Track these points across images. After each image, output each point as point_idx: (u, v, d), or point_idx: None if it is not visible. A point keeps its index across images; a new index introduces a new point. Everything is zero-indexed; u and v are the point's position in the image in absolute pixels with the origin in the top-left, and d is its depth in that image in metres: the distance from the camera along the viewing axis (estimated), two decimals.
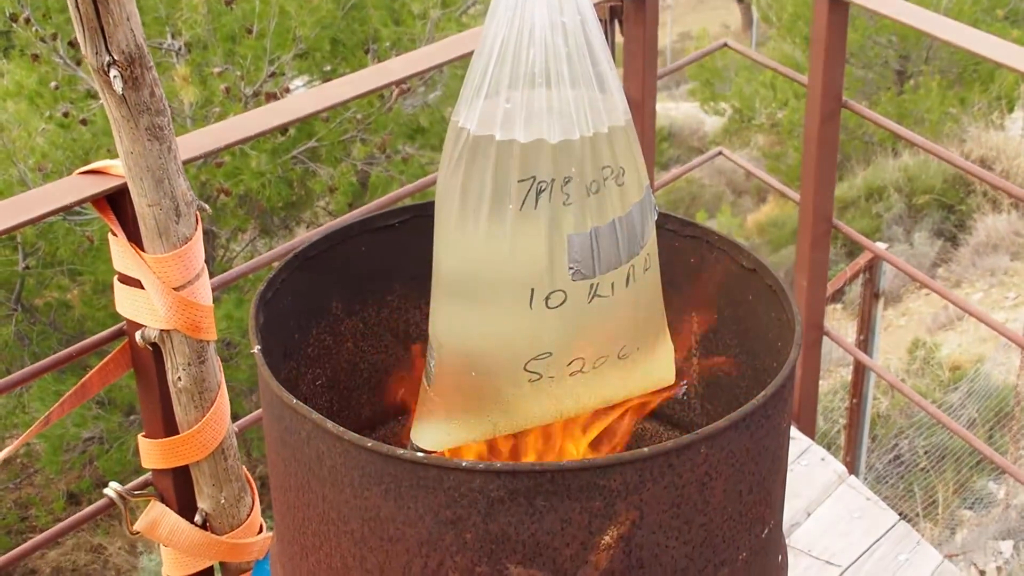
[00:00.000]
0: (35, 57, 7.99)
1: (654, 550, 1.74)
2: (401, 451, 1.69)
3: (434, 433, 1.97)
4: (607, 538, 1.71)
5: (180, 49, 7.89)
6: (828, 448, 5.62)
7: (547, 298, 1.83)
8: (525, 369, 1.87)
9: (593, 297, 1.84)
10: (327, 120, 7.80)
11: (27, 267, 8.25)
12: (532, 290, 1.82)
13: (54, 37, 7.80)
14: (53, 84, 7.92)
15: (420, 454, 1.69)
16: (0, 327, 8.28)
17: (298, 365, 2.19)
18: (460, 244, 1.85)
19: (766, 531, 1.91)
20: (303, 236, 2.22)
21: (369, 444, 1.70)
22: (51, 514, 8.20)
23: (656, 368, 2.01)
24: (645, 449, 1.68)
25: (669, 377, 2.05)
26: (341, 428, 1.72)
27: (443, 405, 1.96)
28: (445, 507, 1.69)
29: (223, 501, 2.52)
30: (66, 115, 7.71)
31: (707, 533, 1.78)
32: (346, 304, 2.26)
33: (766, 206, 11.58)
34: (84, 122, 7.67)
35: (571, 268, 1.82)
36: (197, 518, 2.54)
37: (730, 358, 2.21)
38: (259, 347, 1.93)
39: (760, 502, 1.85)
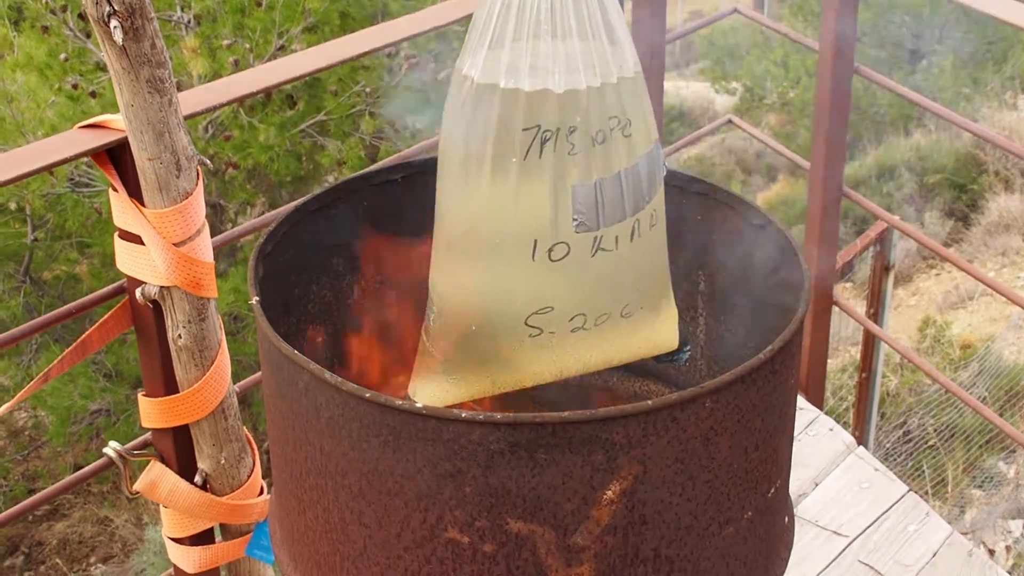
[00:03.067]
0: (45, 29, 7.96)
1: (657, 506, 1.70)
2: (400, 402, 1.65)
3: (432, 389, 1.94)
4: (609, 493, 1.67)
5: (189, 21, 7.86)
6: None
7: (550, 250, 1.79)
8: (526, 324, 1.84)
9: (596, 251, 1.81)
10: (336, 93, 7.76)
11: (35, 239, 8.24)
12: (535, 242, 1.79)
13: (64, 9, 7.77)
14: (63, 56, 7.89)
15: (419, 405, 1.65)
16: (8, 299, 8.27)
17: (298, 321, 2.16)
18: (462, 194, 1.81)
19: (772, 490, 1.88)
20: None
21: (367, 395, 1.66)
22: None
23: (660, 331, 1.98)
24: (648, 402, 1.64)
25: (672, 342, 2.02)
26: (339, 378, 1.69)
27: (441, 360, 1.93)
28: (444, 459, 1.66)
29: (223, 461, 2.50)
30: (75, 87, 7.69)
31: (712, 490, 1.75)
32: (348, 260, 2.23)
33: (776, 185, 11.52)
34: (93, 94, 7.65)
35: (575, 220, 1.78)
36: (197, 479, 2.52)
37: (738, 318, 2.17)
38: (257, 299, 1.89)
39: (766, 460, 1.82)
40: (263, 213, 8.59)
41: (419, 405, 1.65)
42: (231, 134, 7.70)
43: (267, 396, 1.93)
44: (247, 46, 7.58)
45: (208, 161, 2.32)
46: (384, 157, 8.22)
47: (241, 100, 2.54)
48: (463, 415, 1.63)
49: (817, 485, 3.18)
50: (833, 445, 3.30)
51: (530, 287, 1.82)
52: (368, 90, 7.80)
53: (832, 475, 3.20)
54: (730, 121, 3.83)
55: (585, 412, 1.62)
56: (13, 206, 7.96)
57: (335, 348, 2.21)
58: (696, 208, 2.16)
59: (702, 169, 11.50)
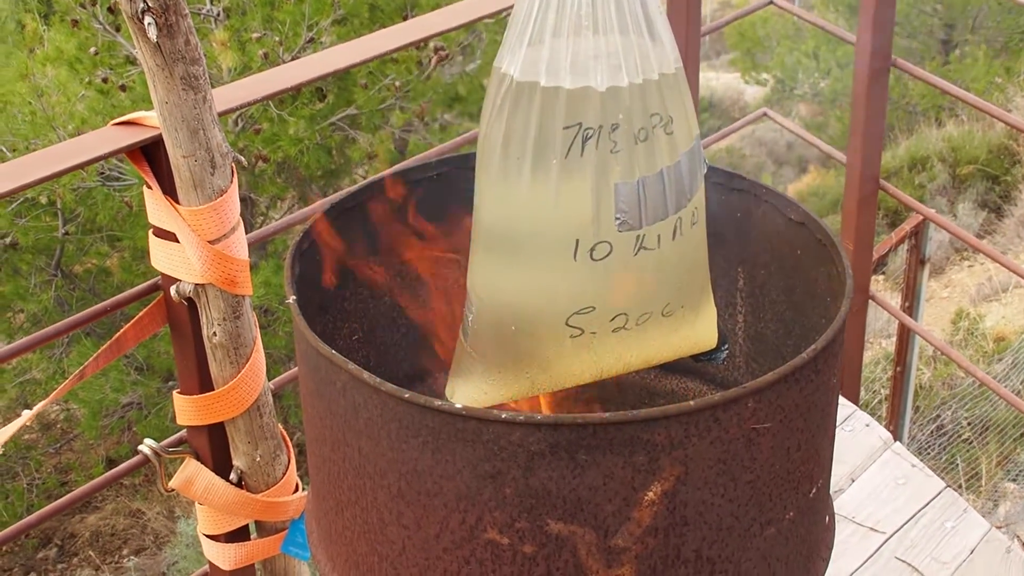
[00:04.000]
0: (75, 23, 7.98)
1: (699, 507, 1.69)
2: (439, 402, 1.64)
3: (470, 390, 1.92)
4: (651, 494, 1.66)
5: (219, 15, 7.86)
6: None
7: (592, 250, 1.78)
8: (567, 324, 1.82)
9: (639, 250, 1.79)
10: (366, 87, 7.74)
11: (67, 233, 8.25)
12: (576, 241, 1.77)
13: (94, 2, 7.78)
14: (92, 50, 7.90)
15: (458, 405, 1.64)
16: (40, 293, 8.30)
17: (334, 319, 2.15)
18: (502, 194, 1.80)
19: (814, 490, 1.86)
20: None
21: (407, 395, 1.65)
22: (90, 479, 8.21)
23: (699, 330, 1.96)
24: (691, 402, 1.63)
25: (712, 340, 2.00)
26: (378, 379, 1.68)
27: (480, 361, 1.91)
28: (484, 460, 1.65)
29: (258, 459, 2.50)
30: (105, 81, 7.70)
31: (753, 490, 1.73)
32: (384, 257, 2.22)
33: (807, 176, 11.47)
34: (123, 88, 7.66)
35: (617, 219, 1.77)
36: (232, 476, 2.52)
37: (777, 315, 2.15)
38: (294, 298, 1.88)
39: (808, 460, 1.80)
40: (293, 207, 8.60)
41: (458, 406, 1.64)
42: (261, 127, 7.69)
43: (304, 395, 1.92)
44: (276, 39, 7.57)
45: (243, 159, 2.31)
46: (414, 150, 8.22)
47: (275, 96, 2.52)
48: (503, 416, 1.62)
49: (854, 481, 3.16)
50: (870, 440, 3.27)
51: (571, 287, 1.80)
52: (398, 83, 7.78)
53: (869, 471, 3.17)
54: (765, 114, 3.80)
55: (627, 413, 1.61)
56: (44, 200, 7.98)
57: (372, 347, 2.20)
58: (736, 205, 2.14)
59: (732, 161, 11.45)
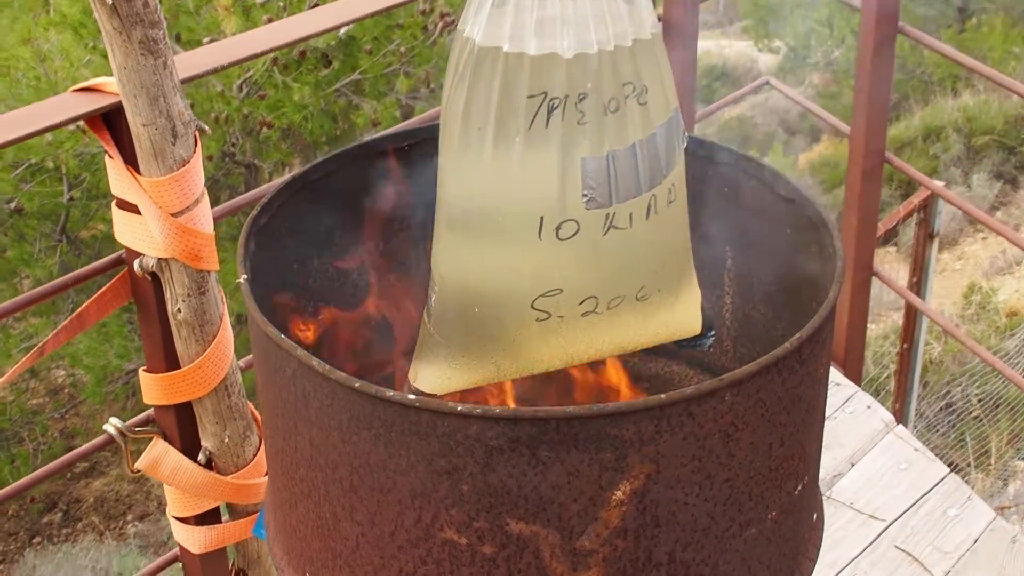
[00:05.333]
0: None
1: (671, 507, 1.56)
2: (391, 393, 1.51)
3: (433, 375, 1.80)
4: (619, 493, 1.53)
5: None
6: (877, 395, 5.41)
7: (558, 228, 1.64)
8: (532, 307, 1.69)
9: (608, 229, 1.66)
10: (371, 53, 7.61)
11: (71, 199, 8.15)
12: (541, 219, 1.64)
13: None
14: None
15: (411, 396, 1.51)
16: (45, 259, 8.20)
17: (296, 300, 2.02)
18: (463, 168, 1.67)
19: (799, 487, 1.73)
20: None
21: (356, 384, 1.53)
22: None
23: (680, 315, 1.82)
24: (662, 395, 1.50)
25: (694, 326, 1.87)
26: (327, 366, 1.55)
27: (443, 344, 1.78)
28: (439, 455, 1.52)
29: (227, 440, 2.39)
30: None
31: (731, 489, 1.60)
32: (351, 234, 2.09)
33: (819, 145, 11.28)
34: None
35: (585, 195, 1.63)
36: (200, 457, 2.41)
37: (767, 297, 2.02)
38: (246, 277, 1.76)
39: (793, 456, 1.67)
40: None
41: (411, 397, 1.51)
42: (265, 93, 7.57)
43: (258, 382, 1.80)
44: (281, 4, 7.42)
45: (206, 127, 2.19)
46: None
47: (242, 63, 2.39)
48: (458, 408, 1.49)
49: (853, 466, 3.03)
50: (871, 423, 3.14)
51: (536, 268, 1.67)
52: (403, 49, 7.64)
53: (869, 455, 3.04)
54: (768, 83, 3.65)
55: (592, 407, 1.48)
56: (50, 164, 7.87)
57: (336, 329, 2.07)
58: (723, 179, 2.01)
59: (743, 130, 11.27)
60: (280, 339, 1.61)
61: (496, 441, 1.50)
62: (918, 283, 4.25)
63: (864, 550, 2.80)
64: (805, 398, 1.66)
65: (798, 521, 1.76)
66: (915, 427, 5.03)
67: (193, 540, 2.50)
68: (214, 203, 2.42)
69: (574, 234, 1.65)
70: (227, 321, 2.31)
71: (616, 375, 2.00)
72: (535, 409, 1.48)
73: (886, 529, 2.85)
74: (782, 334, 1.99)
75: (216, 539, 2.51)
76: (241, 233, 1.86)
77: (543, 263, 1.67)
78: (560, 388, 1.99)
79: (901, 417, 4.29)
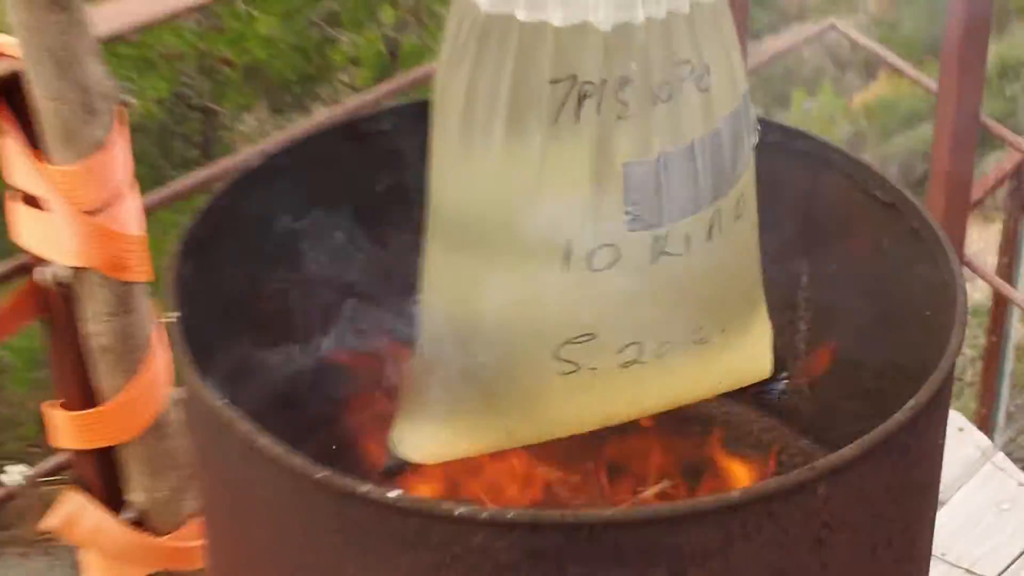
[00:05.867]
0: None
1: None
2: (366, 488, 1.28)
3: (422, 437, 1.60)
4: None
5: None
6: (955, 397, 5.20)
7: (590, 256, 1.44)
8: (556, 357, 1.48)
9: (658, 256, 1.46)
10: None
11: None
12: (568, 243, 1.43)
13: None
14: None
15: (395, 494, 1.28)
16: None
17: (248, 332, 1.78)
18: (464, 170, 1.47)
19: None
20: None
21: (319, 476, 1.29)
22: (23, 439, 8.02)
23: (746, 358, 1.64)
24: (733, 493, 1.27)
25: (763, 370, 1.68)
26: (279, 447, 1.32)
27: (437, 398, 1.58)
28: (433, 570, 1.30)
29: (160, 494, 2.24)
30: None
31: None
32: (319, 241, 1.85)
33: (875, 83, 11.07)
34: None
35: (628, 213, 1.43)
36: (128, 513, 2.26)
37: (855, 327, 1.80)
38: (179, 314, 1.53)
39: (902, 558, 1.45)
40: (263, 120, 8.34)
41: (392, 495, 1.28)
42: (224, 25, 7.45)
43: (193, 442, 1.58)
44: None
45: (132, 100, 2.01)
46: (407, 53, 7.92)
47: (178, 16, 2.19)
48: (457, 512, 1.26)
49: (943, 504, 2.82)
50: (963, 451, 2.95)
51: (562, 306, 1.47)
52: None
53: (963, 492, 2.84)
54: (833, 27, 3.45)
55: (639, 510, 1.26)
56: None
57: (300, 367, 1.84)
58: (799, 174, 1.79)
59: (787, 65, 11.06)
60: (219, 406, 1.38)
61: (509, 554, 1.27)
62: (1009, 265, 4.05)
63: None
64: (918, 481, 1.44)
65: None
66: (1006, 433, 4.85)
67: None
68: (165, 153, 2.29)
69: (612, 264, 1.45)
70: (162, 344, 2.14)
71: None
72: (561, 513, 1.25)
73: None
74: (874, 374, 1.77)
75: None
76: (170, 253, 1.63)
77: (570, 301, 1.47)
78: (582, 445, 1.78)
79: (988, 420, 4.10)
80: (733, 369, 1.62)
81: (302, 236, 1.81)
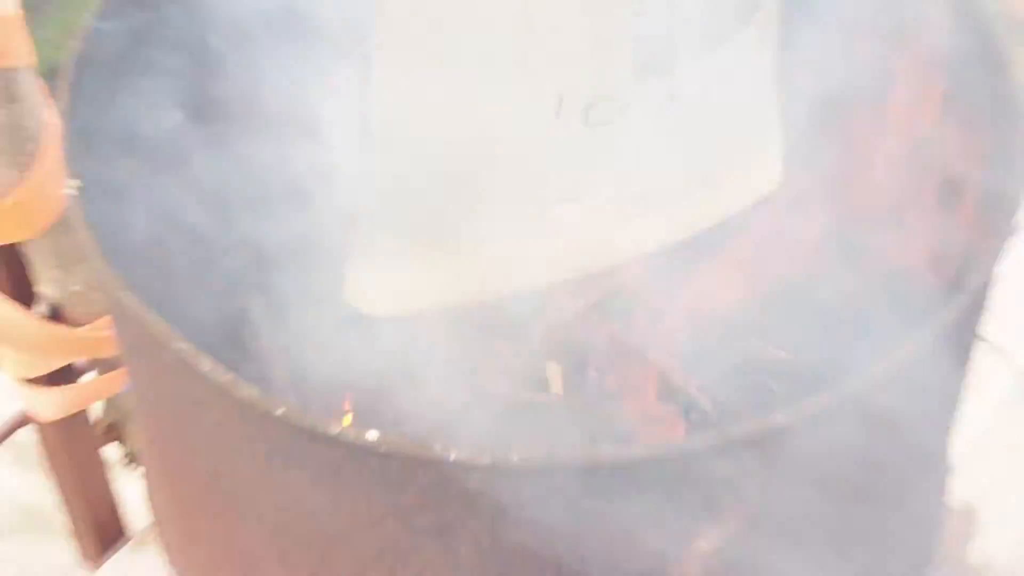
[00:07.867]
0: None
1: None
2: (338, 429, 1.06)
3: (377, 287, 1.32)
4: (702, 544, 1.13)
5: None
6: None
7: (587, 110, 1.16)
8: (539, 217, 1.22)
9: (668, 101, 1.17)
10: None
11: None
12: (560, 96, 1.15)
13: None
14: None
15: (371, 434, 1.05)
16: None
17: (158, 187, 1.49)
18: None
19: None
20: None
21: (279, 412, 1.06)
22: None
23: (754, 178, 1.36)
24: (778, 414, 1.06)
25: (772, 180, 1.40)
26: (229, 376, 1.08)
27: (390, 239, 1.30)
28: (420, 511, 1.10)
29: (75, 288, 2.02)
30: None
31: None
32: (247, 59, 1.51)
33: None
34: None
35: (636, 56, 1.14)
36: (40, 307, 2.05)
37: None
38: (78, 184, 1.27)
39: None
40: None
41: (370, 438, 1.05)
42: None
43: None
44: None
45: None
46: None
47: None
48: (451, 456, 1.05)
49: None
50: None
51: (546, 163, 1.19)
52: None
53: None
54: None
55: (661, 445, 1.05)
56: None
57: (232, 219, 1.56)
58: None
59: None
60: (150, 321, 1.12)
61: (511, 495, 1.07)
62: None
63: None
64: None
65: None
66: None
67: (45, 403, 2.13)
68: None
69: (613, 118, 1.16)
70: (56, 133, 1.85)
71: None
72: (572, 453, 1.05)
73: None
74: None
75: (73, 401, 2.15)
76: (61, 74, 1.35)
77: (559, 157, 1.19)
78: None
79: None
80: (739, 191, 1.37)
81: (229, 54, 1.49)
